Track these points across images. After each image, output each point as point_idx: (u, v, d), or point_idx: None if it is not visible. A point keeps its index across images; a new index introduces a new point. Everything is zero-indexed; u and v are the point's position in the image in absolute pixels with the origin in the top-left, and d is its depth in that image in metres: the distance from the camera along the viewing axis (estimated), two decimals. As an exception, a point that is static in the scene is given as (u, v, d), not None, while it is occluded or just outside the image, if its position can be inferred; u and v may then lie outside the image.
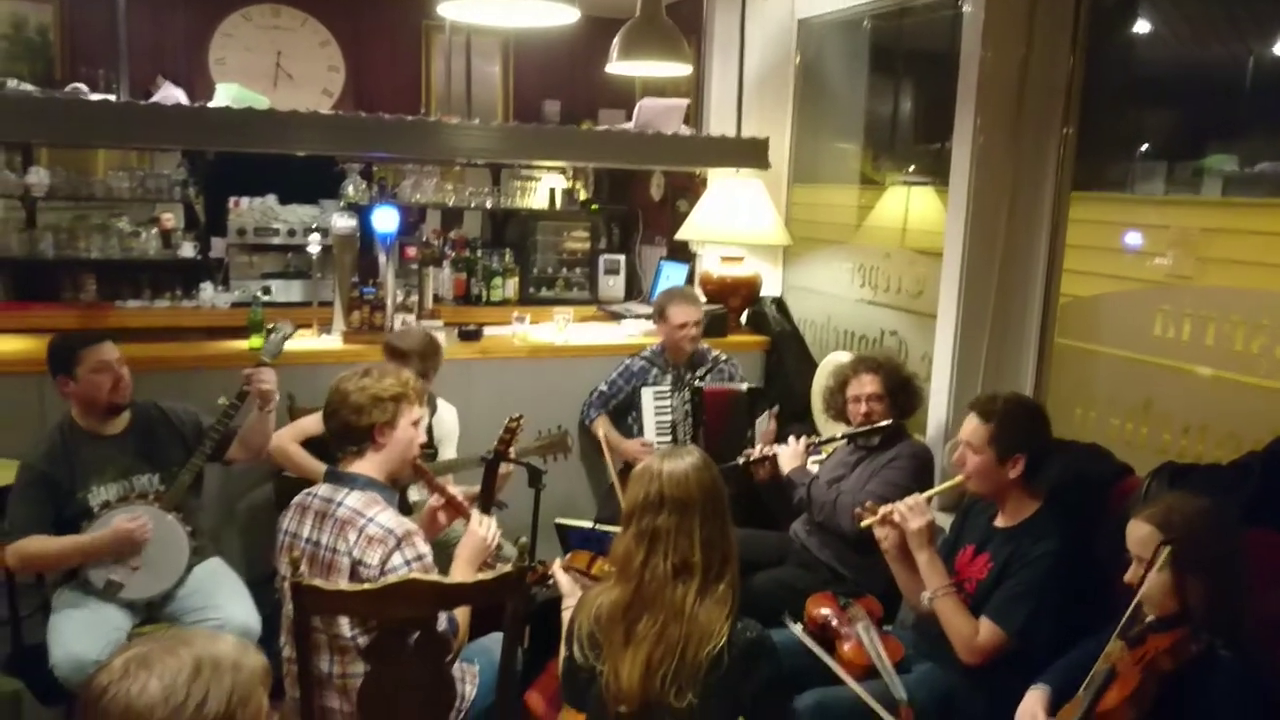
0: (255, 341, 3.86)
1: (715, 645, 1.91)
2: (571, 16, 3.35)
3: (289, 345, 3.99)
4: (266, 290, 5.08)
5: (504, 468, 3.39)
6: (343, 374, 2.49)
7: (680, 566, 1.95)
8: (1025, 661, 2.36)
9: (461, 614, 2.40)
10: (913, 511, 2.62)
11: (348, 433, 2.41)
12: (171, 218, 5.36)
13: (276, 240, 5.26)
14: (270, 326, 3.36)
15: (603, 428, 4.00)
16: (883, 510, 2.69)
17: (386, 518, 2.31)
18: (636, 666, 1.92)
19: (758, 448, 3.47)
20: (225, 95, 3.72)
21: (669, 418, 3.96)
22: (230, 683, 1.26)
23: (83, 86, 3.58)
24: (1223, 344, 2.83)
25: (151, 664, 1.24)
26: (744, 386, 3.95)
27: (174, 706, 1.22)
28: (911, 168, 4.25)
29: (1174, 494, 2.13)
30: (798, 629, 2.77)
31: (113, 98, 3.68)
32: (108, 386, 2.95)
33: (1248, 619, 1.96)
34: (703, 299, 4.73)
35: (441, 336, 4.10)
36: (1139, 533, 2.02)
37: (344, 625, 2.27)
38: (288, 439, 3.40)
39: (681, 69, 4.17)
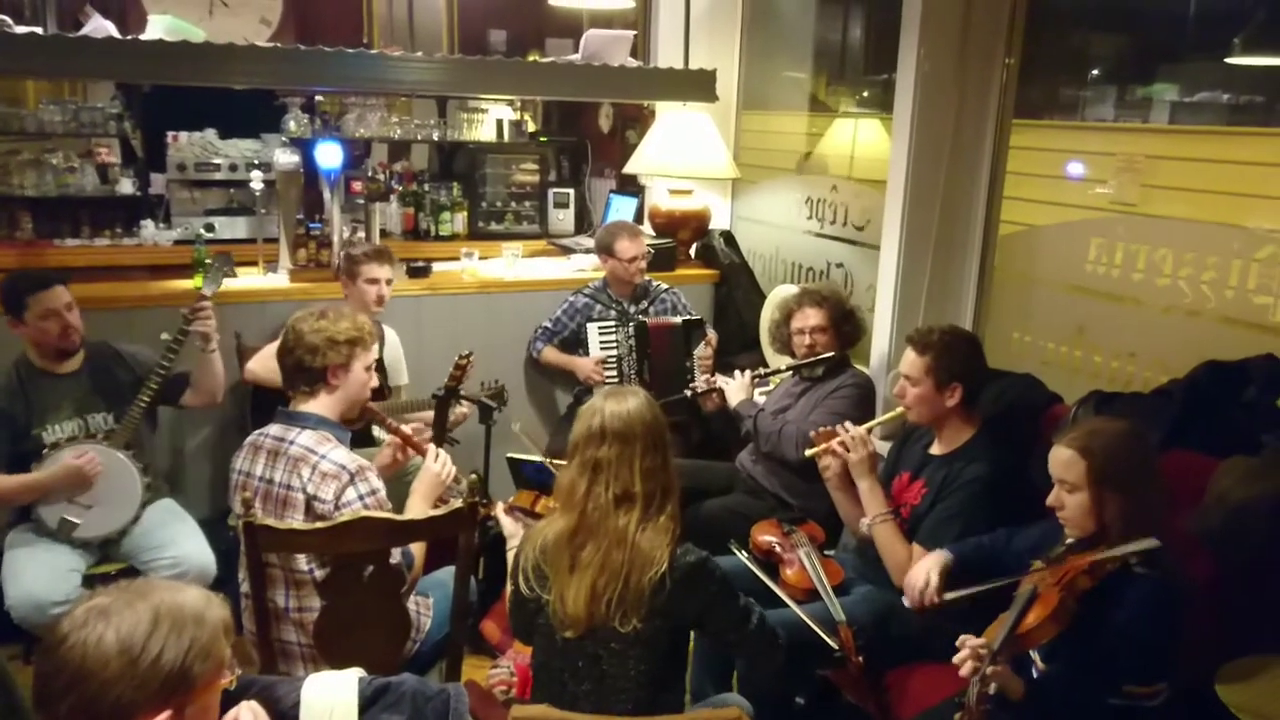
0: (199, 280, 3.81)
1: (657, 571, 1.98)
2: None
3: (235, 284, 3.98)
4: (210, 227, 4.97)
5: (460, 410, 3.43)
6: (298, 313, 2.50)
7: (622, 495, 2.02)
8: (956, 581, 2.48)
9: (417, 548, 2.46)
10: (854, 442, 2.71)
11: (301, 372, 2.43)
12: (108, 150, 5.22)
13: (218, 176, 5.14)
14: (209, 260, 3.33)
15: (551, 356, 4.09)
16: (825, 441, 2.78)
17: (339, 454, 2.35)
18: (582, 592, 1.99)
19: (701, 379, 3.56)
20: (159, 27, 3.62)
21: (614, 352, 4.01)
22: (190, 638, 1.28)
23: (7, 19, 3.45)
24: (1151, 275, 2.92)
25: (110, 615, 1.26)
26: (679, 320, 4.01)
27: (129, 660, 1.23)
28: (864, 93, 4.27)
29: (1094, 419, 2.23)
30: (744, 555, 2.87)
31: (40, 30, 3.56)
32: (56, 332, 2.95)
33: (1164, 537, 2.07)
34: (651, 232, 4.77)
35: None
36: (1061, 457, 2.11)
37: (300, 560, 2.32)
38: (259, 367, 3.41)
39: (624, 2, 4.13)
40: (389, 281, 3.56)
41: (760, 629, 2.15)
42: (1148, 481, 2.07)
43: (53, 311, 2.93)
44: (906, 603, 2.42)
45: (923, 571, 2.40)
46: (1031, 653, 2.14)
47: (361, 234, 4.38)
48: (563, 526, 2.06)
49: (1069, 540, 2.11)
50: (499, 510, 2.62)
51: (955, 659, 1.99)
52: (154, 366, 3.09)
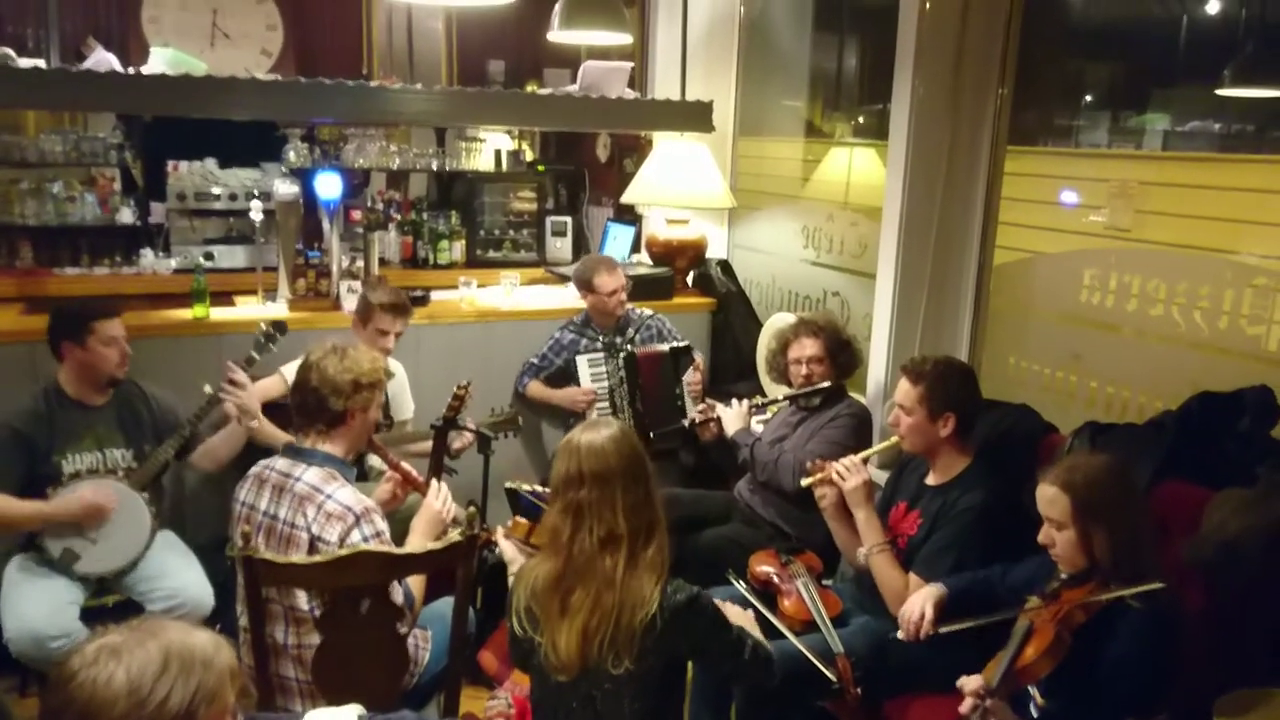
0: (200, 310, 3.83)
1: (648, 612, 1.96)
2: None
3: (233, 313, 4.00)
4: (209, 256, 4.99)
5: (461, 440, 3.44)
6: (315, 349, 2.49)
7: (606, 538, 1.99)
8: (953, 610, 2.49)
9: (416, 585, 2.46)
10: (850, 471, 2.73)
11: (323, 412, 2.43)
12: (112, 176, 5.26)
13: (218, 205, 5.16)
14: (264, 325, 3.27)
15: (536, 390, 4.09)
16: (822, 470, 2.79)
17: (345, 494, 2.35)
18: (573, 636, 1.97)
19: (694, 407, 3.57)
20: (160, 60, 3.65)
21: (605, 384, 4.02)
22: (197, 682, 1.27)
23: (10, 52, 3.48)
24: (1145, 305, 2.95)
25: (121, 654, 1.25)
26: (666, 347, 4.02)
27: (136, 701, 1.23)
28: (860, 118, 4.31)
29: (1074, 454, 2.25)
30: (741, 585, 2.87)
31: (43, 63, 3.60)
32: (115, 360, 3.00)
33: (1154, 567, 2.08)
34: (649, 261, 4.80)
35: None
36: (1045, 494, 2.14)
37: (301, 598, 2.31)
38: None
39: (622, 38, 4.18)
40: (398, 335, 3.53)
41: (754, 657, 2.13)
42: (1133, 513, 2.09)
43: (115, 338, 2.98)
44: (900, 635, 2.42)
45: (917, 603, 2.41)
46: (1032, 690, 2.14)
47: (360, 263, 4.40)
48: (550, 570, 2.03)
49: (1063, 575, 2.12)
50: (499, 535, 2.61)
51: (961, 690, 1.99)
52: (179, 418, 3.13)
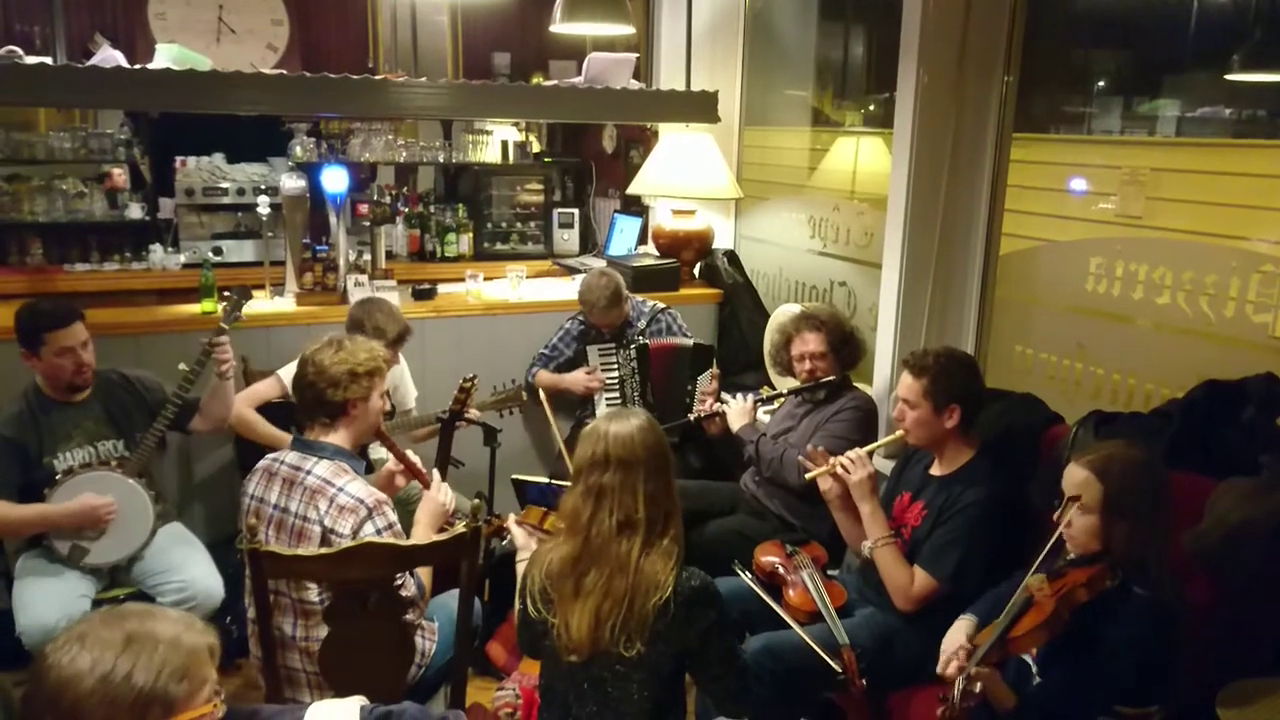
0: (208, 305, 3.85)
1: (661, 596, 1.99)
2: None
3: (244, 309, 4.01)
4: (217, 251, 5.05)
5: (460, 425, 3.45)
6: (311, 345, 2.51)
7: (624, 522, 2.03)
8: (958, 604, 2.49)
9: (425, 576, 2.48)
10: (855, 465, 2.72)
11: (322, 405, 2.45)
12: (122, 173, 5.29)
13: (225, 200, 5.21)
14: (226, 292, 3.28)
15: (545, 380, 4.07)
16: (818, 459, 2.79)
17: (356, 487, 2.37)
18: (586, 618, 2.00)
19: (706, 404, 3.57)
20: (165, 56, 3.66)
21: (616, 373, 4.02)
22: (161, 660, 1.34)
23: (17, 50, 3.50)
24: (1151, 295, 2.93)
25: (86, 638, 1.34)
26: (690, 342, 4.02)
27: (99, 676, 1.30)
28: (866, 107, 4.29)
29: (1114, 442, 2.22)
30: (747, 576, 2.88)
31: (50, 60, 3.61)
32: (70, 370, 2.97)
33: (1165, 561, 2.08)
34: (655, 252, 4.80)
35: (395, 296, 4.12)
36: (1076, 476, 2.12)
37: (311, 592, 2.34)
38: (244, 405, 3.38)
39: (624, 29, 4.17)
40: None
41: (742, 675, 2.15)
42: (1157, 509, 2.08)
43: (68, 349, 2.94)
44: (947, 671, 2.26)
45: (953, 642, 2.28)
46: (1032, 665, 2.15)
47: (367, 257, 4.42)
48: (566, 552, 2.07)
49: (1071, 555, 2.12)
50: (510, 522, 2.63)
51: (941, 660, 1.98)
52: (166, 395, 3.11)
